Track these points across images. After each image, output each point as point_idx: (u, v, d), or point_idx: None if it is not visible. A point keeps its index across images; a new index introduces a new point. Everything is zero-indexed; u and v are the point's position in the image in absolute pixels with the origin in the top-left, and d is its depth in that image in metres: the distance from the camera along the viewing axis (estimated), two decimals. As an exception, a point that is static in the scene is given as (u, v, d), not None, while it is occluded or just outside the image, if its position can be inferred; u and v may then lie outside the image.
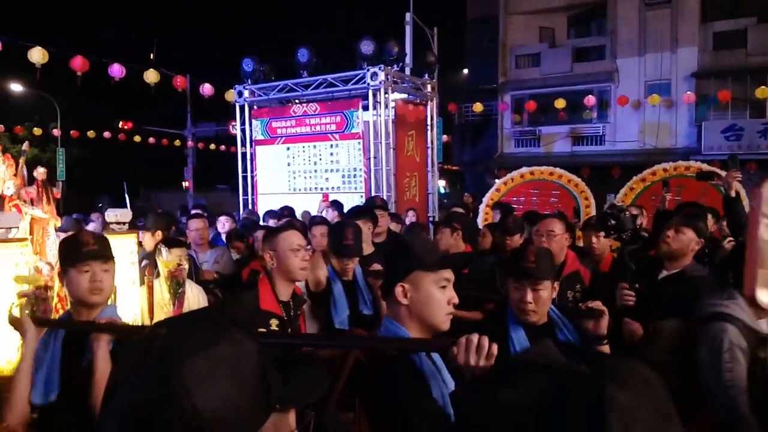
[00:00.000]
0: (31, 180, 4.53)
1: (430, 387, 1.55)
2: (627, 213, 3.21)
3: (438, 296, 1.65)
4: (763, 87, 15.66)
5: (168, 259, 3.82)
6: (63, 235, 4.55)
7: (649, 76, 19.52)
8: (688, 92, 17.63)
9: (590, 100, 18.06)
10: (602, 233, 4.08)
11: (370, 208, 4.60)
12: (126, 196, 10.26)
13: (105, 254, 2.17)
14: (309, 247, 2.99)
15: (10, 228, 3.40)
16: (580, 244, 4.70)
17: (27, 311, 3.03)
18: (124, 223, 3.86)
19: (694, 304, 2.20)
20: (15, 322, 2.05)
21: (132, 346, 0.73)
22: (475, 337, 1.43)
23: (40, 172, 4.50)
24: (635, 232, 3.41)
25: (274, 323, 2.64)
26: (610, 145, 20.16)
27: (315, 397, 0.82)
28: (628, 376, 0.58)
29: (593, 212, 7.70)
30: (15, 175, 4.28)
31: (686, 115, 19.06)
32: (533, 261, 2.24)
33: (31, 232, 3.68)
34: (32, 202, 4.29)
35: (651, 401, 0.57)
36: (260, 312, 2.63)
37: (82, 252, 2.12)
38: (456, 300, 1.70)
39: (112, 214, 3.89)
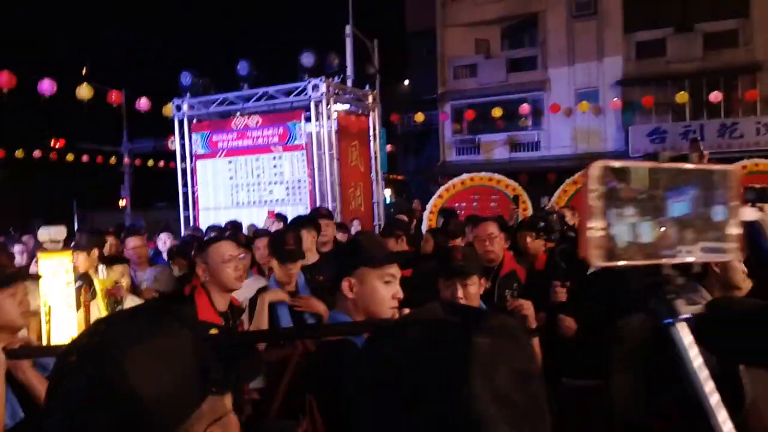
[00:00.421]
0: None
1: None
2: (555, 215, 3.42)
3: (382, 291, 1.76)
4: (682, 92, 16.76)
5: (104, 277, 3.77)
6: None
7: (579, 84, 20.49)
8: (615, 99, 18.63)
9: (525, 108, 18.78)
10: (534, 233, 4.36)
11: (313, 217, 4.67)
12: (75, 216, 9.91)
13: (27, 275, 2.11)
14: (243, 256, 3.00)
15: None
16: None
17: None
18: (58, 242, 3.75)
19: (621, 294, 2.38)
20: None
21: (69, 347, 0.74)
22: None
23: None
24: (563, 232, 3.65)
25: (213, 332, 2.65)
26: (545, 151, 20.98)
27: (250, 381, 0.87)
28: (495, 328, 0.63)
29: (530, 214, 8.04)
30: None
31: (614, 121, 20.10)
32: (461, 259, 2.42)
33: None
34: None
35: (513, 352, 0.62)
36: (199, 322, 2.63)
37: (7, 274, 2.03)
38: (401, 295, 1.79)
39: (45, 233, 3.75)
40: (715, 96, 16.49)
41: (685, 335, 0.75)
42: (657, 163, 0.76)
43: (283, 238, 3.37)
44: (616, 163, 0.72)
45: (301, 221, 4.37)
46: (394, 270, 1.80)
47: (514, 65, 22.08)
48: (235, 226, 6.60)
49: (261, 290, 3.25)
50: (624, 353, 1.21)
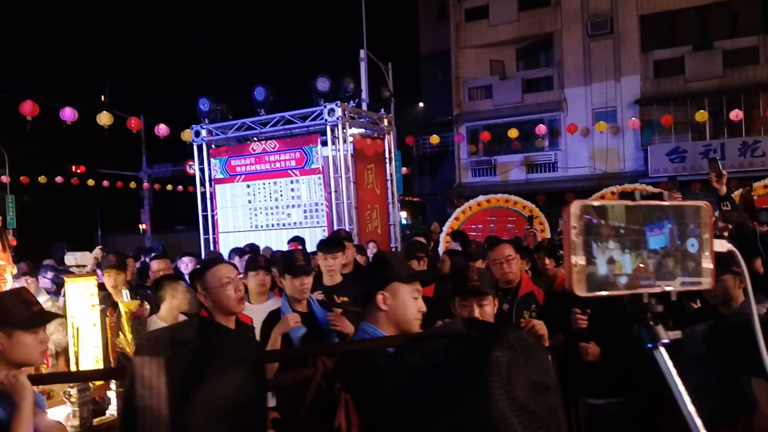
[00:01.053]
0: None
1: None
2: None
3: (411, 304, 1.97)
4: (702, 111, 16.59)
5: (128, 300, 3.79)
6: (19, 283, 4.46)
7: (596, 103, 20.41)
8: (633, 118, 18.51)
9: (541, 129, 18.73)
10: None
11: (339, 240, 4.67)
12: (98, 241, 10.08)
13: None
14: (241, 276, 2.98)
15: None
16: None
17: None
18: (83, 266, 3.79)
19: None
20: (10, 385, 1.81)
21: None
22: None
23: None
24: None
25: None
26: (562, 172, 20.84)
27: None
28: (512, 341, 0.66)
29: (548, 236, 7.94)
30: None
31: (632, 140, 19.93)
32: (476, 279, 2.47)
33: None
34: None
35: (530, 365, 0.66)
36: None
37: (36, 314, 2.03)
38: (424, 309, 1.99)
39: (71, 258, 3.79)
40: (736, 114, 16.27)
41: (665, 359, 0.82)
42: (632, 201, 0.82)
43: (293, 255, 3.38)
44: (595, 202, 0.80)
45: (328, 244, 4.34)
46: (419, 287, 2.01)
47: (529, 86, 22.10)
48: (253, 248, 6.63)
49: (273, 313, 3.24)
50: (690, 360, 1.29)
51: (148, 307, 3.74)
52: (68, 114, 11.67)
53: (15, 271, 4.14)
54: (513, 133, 17.93)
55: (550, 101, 21.29)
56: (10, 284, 4.10)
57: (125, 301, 3.81)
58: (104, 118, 12.07)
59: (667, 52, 19.79)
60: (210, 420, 0.77)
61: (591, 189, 10.76)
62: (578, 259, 0.77)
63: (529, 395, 0.63)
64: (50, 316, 2.20)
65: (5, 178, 21.37)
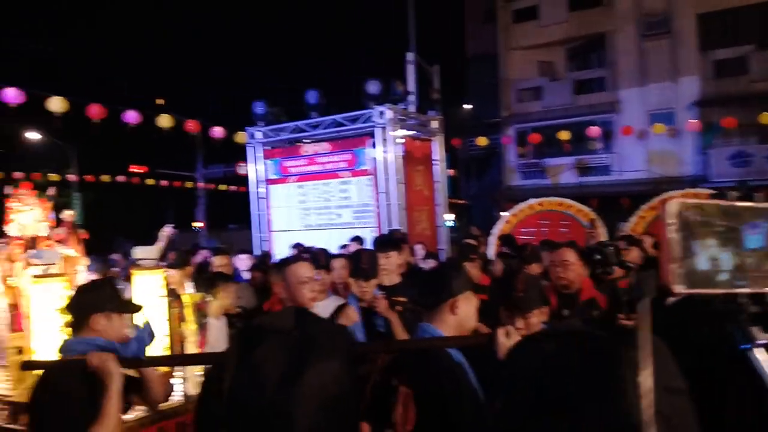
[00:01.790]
0: (59, 222, 4.73)
1: (467, 374, 1.93)
2: (611, 247, 3.33)
3: (474, 313, 2.12)
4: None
5: (194, 292, 4.00)
6: (92, 275, 4.75)
7: (652, 105, 19.75)
8: (692, 120, 17.82)
9: (594, 130, 18.28)
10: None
11: (393, 239, 4.74)
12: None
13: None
14: (319, 277, 3.08)
15: (50, 264, 3.65)
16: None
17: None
18: (151, 259, 4.03)
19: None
20: (101, 365, 1.95)
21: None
22: (509, 328, 1.84)
23: (68, 215, 4.71)
24: (622, 264, 3.53)
25: None
26: (617, 175, 20.26)
27: None
28: (635, 346, 0.65)
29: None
30: (47, 218, 4.52)
31: (691, 143, 19.18)
32: (521, 291, 2.46)
33: (64, 270, 3.92)
34: (61, 242, 4.47)
35: (660, 367, 0.64)
36: None
37: (128, 301, 2.38)
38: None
39: (139, 251, 4.07)
40: (805, 116, 15.41)
41: (762, 359, 0.80)
42: (726, 201, 0.82)
43: (359, 257, 3.47)
44: (692, 200, 0.79)
45: (387, 243, 4.39)
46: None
47: (581, 87, 21.61)
48: (298, 247, 6.78)
49: (341, 306, 3.34)
50: None
51: (209, 299, 3.94)
52: (131, 116, 12.18)
53: (88, 263, 4.46)
54: (564, 135, 17.57)
55: (603, 102, 20.75)
56: (83, 276, 4.39)
57: (189, 293, 4.02)
58: (164, 121, 12.54)
59: (728, 51, 18.92)
60: (312, 408, 0.80)
61: (647, 193, 10.44)
62: (676, 256, 0.77)
63: (659, 396, 0.62)
64: (137, 307, 2.49)
65: (73, 177, 22.52)
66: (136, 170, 23.20)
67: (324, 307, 3.59)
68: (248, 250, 6.97)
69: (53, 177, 22.36)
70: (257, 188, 9.96)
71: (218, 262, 5.06)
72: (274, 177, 9.71)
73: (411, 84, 13.20)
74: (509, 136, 21.47)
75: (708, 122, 18.33)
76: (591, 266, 4.22)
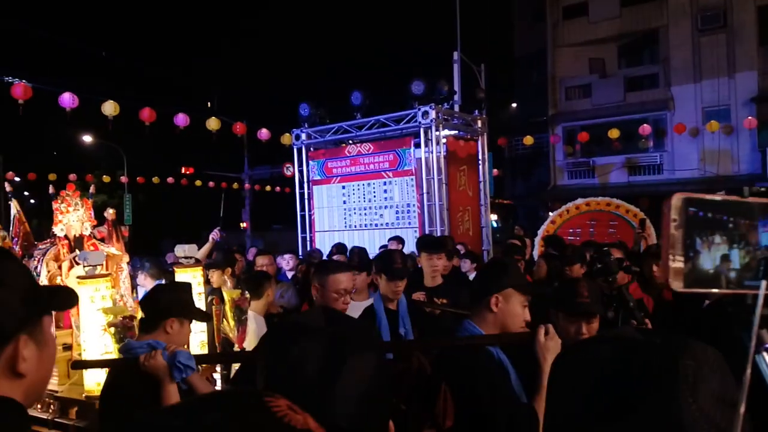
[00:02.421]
0: (101, 221, 4.86)
1: (509, 372, 1.92)
2: (612, 257, 3.28)
3: (520, 312, 2.05)
4: (831, 108, 14.96)
5: (233, 289, 4.07)
6: (143, 276, 4.87)
7: (706, 102, 19.00)
8: (749, 117, 17.02)
9: (645, 129, 17.70)
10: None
11: (444, 241, 4.70)
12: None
13: None
14: (354, 290, 2.98)
15: (96, 265, 3.73)
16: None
17: (116, 339, 3.29)
18: (191, 258, 4.16)
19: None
20: (153, 367, 2.01)
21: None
22: (549, 326, 1.83)
23: (110, 213, 4.80)
24: (627, 269, 3.49)
25: None
26: (668, 174, 19.59)
27: None
28: (699, 352, 0.65)
29: (654, 242, 7.51)
30: (91, 217, 4.66)
31: (748, 141, 18.36)
32: (587, 296, 2.32)
33: (106, 268, 4.01)
34: (104, 240, 4.60)
35: (715, 377, 0.64)
36: None
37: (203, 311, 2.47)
38: (529, 319, 2.05)
39: (180, 250, 4.19)
40: None
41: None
42: (739, 197, 0.78)
43: (392, 257, 3.44)
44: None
45: (436, 244, 4.29)
46: (529, 298, 2.11)
47: (632, 84, 20.97)
48: (340, 248, 6.80)
49: (367, 309, 3.33)
50: None
51: (248, 296, 3.98)
52: (181, 119, 12.53)
53: (128, 260, 4.63)
54: (614, 133, 17.09)
55: (656, 100, 20.08)
56: (125, 273, 4.54)
57: (228, 289, 4.11)
58: (213, 123, 12.86)
59: (790, 45, 18.06)
60: (351, 404, 0.81)
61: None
62: (677, 253, 0.75)
63: (715, 407, 0.61)
64: (208, 316, 2.61)
65: (124, 179, 23.39)
66: (184, 172, 23.87)
67: (363, 307, 3.57)
68: (293, 250, 7.04)
69: (105, 179, 23.30)
70: (302, 189, 10.09)
71: (261, 262, 5.14)
72: (318, 178, 9.81)
73: (456, 83, 13.13)
74: (557, 134, 21.04)
75: (765, 119, 17.49)
76: (592, 276, 4.12)
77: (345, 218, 9.49)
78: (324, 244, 9.26)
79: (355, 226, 9.34)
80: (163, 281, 4.24)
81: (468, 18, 15.14)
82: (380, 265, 3.50)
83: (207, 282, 4.88)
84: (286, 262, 6.04)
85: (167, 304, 2.25)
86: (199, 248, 5.13)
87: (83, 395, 3.79)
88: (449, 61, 13.86)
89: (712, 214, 0.76)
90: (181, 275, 4.03)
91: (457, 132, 9.50)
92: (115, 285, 4.17)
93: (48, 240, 4.68)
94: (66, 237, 4.50)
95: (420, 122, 8.54)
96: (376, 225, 9.08)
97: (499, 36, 26.45)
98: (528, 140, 17.98)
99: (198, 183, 23.84)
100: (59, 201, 4.54)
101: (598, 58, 21.99)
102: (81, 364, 3.20)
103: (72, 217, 4.50)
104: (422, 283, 3.98)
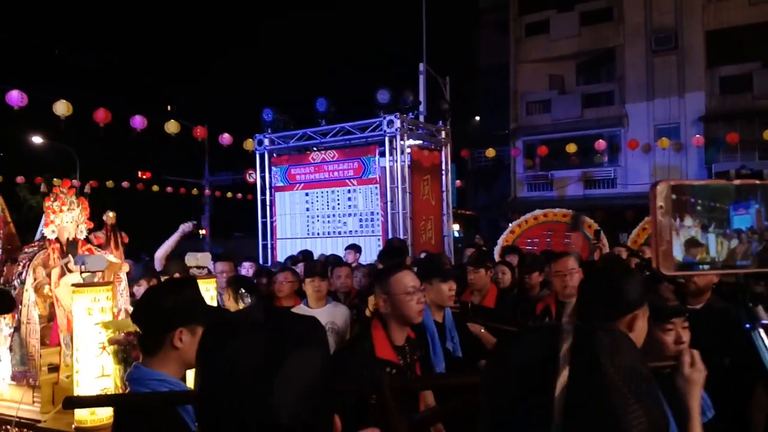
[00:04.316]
0: (99, 225, 4.37)
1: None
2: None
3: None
4: (771, 129, 15.77)
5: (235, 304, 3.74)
6: (140, 284, 4.42)
7: (658, 119, 19.82)
8: (697, 135, 17.82)
9: (601, 144, 18.30)
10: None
11: (399, 249, 4.71)
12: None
13: None
14: (423, 287, 2.68)
15: (96, 271, 3.27)
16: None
17: (118, 359, 2.88)
18: (203, 268, 3.67)
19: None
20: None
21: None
22: (695, 353, 1.52)
23: (109, 216, 4.31)
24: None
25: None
26: (622, 188, 20.29)
27: None
28: (614, 331, 0.70)
29: (607, 251, 7.77)
30: (88, 218, 4.07)
31: (696, 158, 19.23)
32: (673, 299, 2.22)
33: (104, 277, 3.46)
34: (101, 247, 4.11)
35: (630, 351, 0.69)
36: (376, 361, 2.44)
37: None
38: (673, 344, 1.96)
39: (192, 258, 3.67)
40: (808, 133, 15.40)
41: (764, 339, 0.80)
42: (724, 180, 0.80)
43: (437, 259, 3.33)
44: (680, 181, 0.79)
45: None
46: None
47: (589, 101, 21.70)
48: (306, 255, 6.77)
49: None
50: None
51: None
52: (138, 122, 12.21)
53: (127, 269, 4.10)
54: (571, 147, 17.59)
55: (611, 116, 20.83)
56: (124, 283, 3.99)
57: (236, 305, 3.79)
58: (172, 126, 12.58)
59: (734, 68, 19.05)
60: (291, 401, 0.80)
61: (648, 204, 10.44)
62: (664, 239, 0.78)
63: (630, 377, 0.65)
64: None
65: (76, 182, 22.63)
66: (141, 176, 23.29)
67: (322, 314, 3.50)
68: (252, 257, 6.93)
69: (56, 182, 22.49)
70: (263, 195, 9.98)
71: (221, 268, 5.02)
72: (281, 184, 9.74)
73: (422, 94, 13.29)
74: (517, 148, 21.53)
75: (712, 138, 18.36)
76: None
77: (308, 226, 9.44)
78: (285, 251, 9.18)
79: (318, 234, 9.31)
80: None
81: (434, 31, 15.40)
82: (428, 270, 3.30)
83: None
84: (246, 270, 5.95)
85: (171, 310, 1.71)
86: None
87: (72, 426, 3.17)
88: (415, 73, 14.04)
89: (694, 198, 0.79)
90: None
91: (421, 142, 9.61)
92: (113, 297, 3.59)
93: (36, 242, 4.05)
94: (57, 240, 3.90)
95: (385, 131, 8.61)
96: (340, 233, 9.07)
97: (464, 49, 26.91)
98: (490, 153, 18.32)
99: (155, 188, 23.28)
100: (52, 198, 3.92)
101: (558, 74, 22.66)
102: (76, 402, 2.39)
103: (66, 217, 3.90)
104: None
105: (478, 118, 26.37)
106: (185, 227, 5.02)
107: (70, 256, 3.80)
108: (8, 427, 3.47)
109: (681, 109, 19.54)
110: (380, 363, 2.43)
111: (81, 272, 3.28)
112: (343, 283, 4.81)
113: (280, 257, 8.95)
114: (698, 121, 19.20)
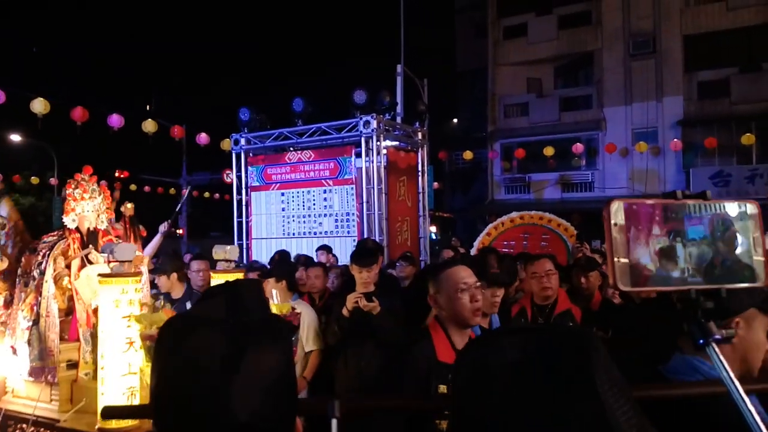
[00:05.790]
0: (118, 216, 4.23)
1: None
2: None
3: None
4: (748, 134, 16.08)
5: (278, 302, 3.67)
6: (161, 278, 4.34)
7: (636, 124, 20.04)
8: (675, 140, 18.08)
9: (578, 147, 18.48)
10: (591, 273, 4.31)
11: (374, 249, 4.66)
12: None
13: None
14: (479, 284, 2.38)
15: (125, 261, 3.11)
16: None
17: (149, 356, 2.66)
18: (231, 261, 3.57)
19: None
20: None
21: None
22: None
23: (128, 208, 4.20)
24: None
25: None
26: (599, 192, 20.47)
27: None
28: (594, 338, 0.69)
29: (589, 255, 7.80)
30: (108, 208, 3.93)
31: (674, 162, 19.48)
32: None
33: (131, 268, 3.33)
34: (119, 239, 3.99)
35: (610, 362, 0.67)
36: (438, 366, 2.21)
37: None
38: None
39: (220, 251, 3.58)
40: (784, 138, 15.76)
41: (718, 355, 0.81)
42: (672, 200, 0.82)
43: (487, 260, 3.22)
44: (634, 200, 0.81)
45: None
46: None
47: (567, 104, 21.88)
48: (283, 255, 6.69)
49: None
50: None
51: (299, 311, 3.63)
52: (115, 120, 12.08)
53: (147, 261, 4.00)
54: (549, 151, 17.75)
55: (589, 120, 21.02)
56: (145, 278, 3.84)
57: (277, 303, 3.71)
58: (149, 126, 12.45)
59: (712, 73, 19.33)
60: (250, 396, 0.78)
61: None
62: (620, 255, 0.78)
63: (619, 389, 0.64)
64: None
65: (53, 181, 22.23)
66: (118, 175, 22.96)
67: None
68: (203, 256, 6.82)
69: (34, 180, 22.08)
70: (239, 195, 9.88)
71: (197, 267, 4.98)
72: (257, 184, 9.64)
73: (399, 96, 13.26)
74: (495, 150, 21.62)
75: (690, 142, 18.63)
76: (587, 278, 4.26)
77: (283, 226, 9.35)
78: (260, 251, 9.09)
79: (294, 234, 9.22)
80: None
81: (412, 32, 15.40)
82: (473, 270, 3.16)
83: (153, 286, 4.62)
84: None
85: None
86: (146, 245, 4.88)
87: (96, 427, 2.96)
88: (393, 74, 14.02)
89: (647, 215, 0.80)
90: (219, 281, 3.39)
91: (398, 143, 9.57)
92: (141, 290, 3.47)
93: (56, 232, 3.88)
94: (78, 230, 3.74)
95: (361, 131, 8.55)
96: (315, 233, 8.99)
97: (442, 51, 26.98)
98: (468, 155, 18.39)
99: (133, 187, 22.96)
100: (73, 186, 3.76)
101: (536, 78, 22.82)
102: (113, 412, 2.12)
103: (87, 206, 3.73)
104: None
105: (456, 120, 26.45)
106: (163, 228, 5.01)
107: (90, 246, 3.66)
108: (24, 426, 3.31)
109: (659, 113, 19.78)
110: (442, 368, 2.20)
111: (109, 262, 3.11)
112: (314, 283, 4.78)
113: (256, 256, 8.87)
114: (676, 125, 19.45)
